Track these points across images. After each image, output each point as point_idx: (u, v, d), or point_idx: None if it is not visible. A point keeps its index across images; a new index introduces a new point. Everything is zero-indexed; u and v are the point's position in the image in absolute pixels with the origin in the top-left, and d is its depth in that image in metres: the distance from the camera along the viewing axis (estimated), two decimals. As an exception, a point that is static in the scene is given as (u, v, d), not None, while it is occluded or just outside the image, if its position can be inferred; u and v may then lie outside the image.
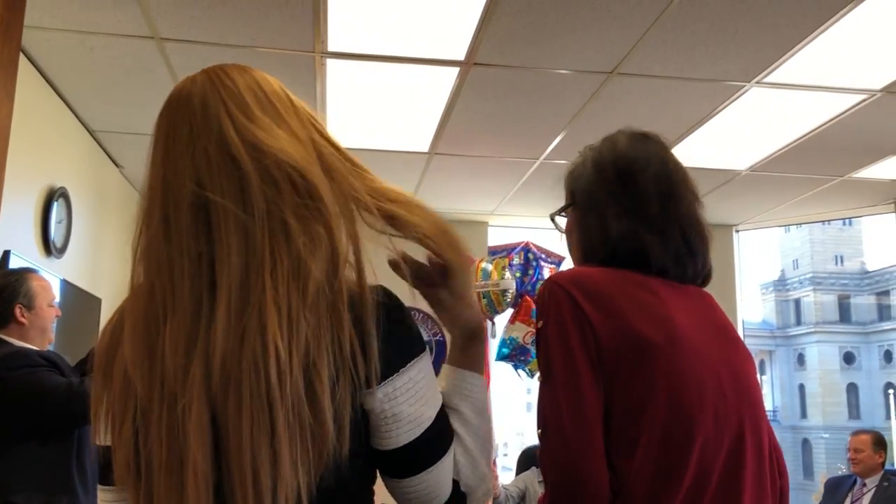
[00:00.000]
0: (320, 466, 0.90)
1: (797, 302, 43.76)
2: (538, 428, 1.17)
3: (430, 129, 4.01)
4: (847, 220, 43.57)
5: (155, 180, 0.97)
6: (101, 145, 4.21)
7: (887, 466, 4.38)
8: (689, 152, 4.17)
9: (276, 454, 0.88)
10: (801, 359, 42.40)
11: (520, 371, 4.92)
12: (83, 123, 3.91)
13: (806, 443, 38.86)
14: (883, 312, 41.11)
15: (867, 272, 42.92)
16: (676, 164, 1.34)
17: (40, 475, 2.30)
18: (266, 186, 0.94)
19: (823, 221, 5.61)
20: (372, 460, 0.99)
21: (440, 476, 1.00)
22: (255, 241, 0.92)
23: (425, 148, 4.28)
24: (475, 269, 4.89)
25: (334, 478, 0.91)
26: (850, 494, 4.39)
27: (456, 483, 1.03)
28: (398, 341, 0.98)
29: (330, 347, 0.91)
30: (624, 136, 1.35)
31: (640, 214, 1.27)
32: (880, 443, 4.42)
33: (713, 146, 4.15)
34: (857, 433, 4.57)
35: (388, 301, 0.99)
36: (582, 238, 1.32)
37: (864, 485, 4.34)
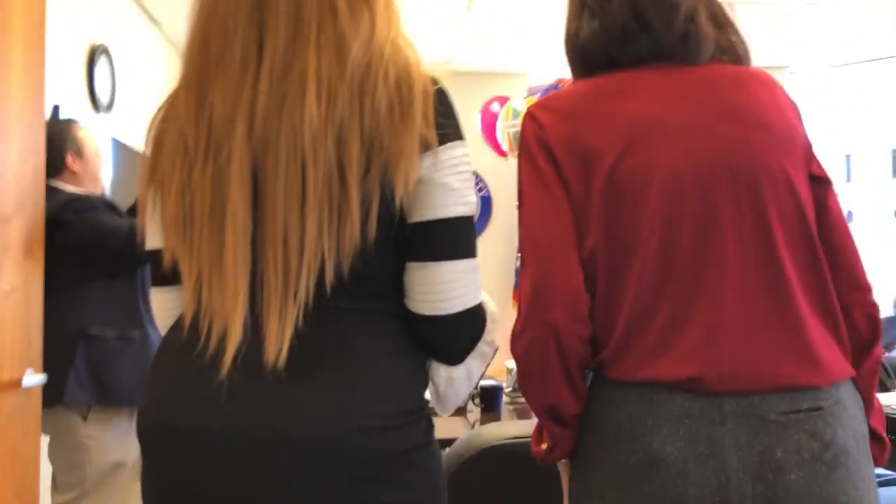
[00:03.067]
0: (347, 243, 0.94)
1: (847, 157, 42.71)
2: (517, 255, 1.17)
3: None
4: None
5: None
6: (140, 3, 4.17)
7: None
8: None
9: (305, 218, 0.93)
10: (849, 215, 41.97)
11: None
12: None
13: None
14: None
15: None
16: None
17: (112, 310, 2.43)
18: None
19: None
20: (406, 250, 1.01)
21: (471, 275, 1.03)
22: (304, 12, 0.97)
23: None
24: (506, 110, 4.84)
25: (361, 262, 0.96)
26: None
27: (481, 306, 1.06)
28: (450, 118, 1.02)
29: (360, 126, 0.95)
30: None
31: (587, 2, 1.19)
32: None
33: None
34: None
35: (441, 87, 1.02)
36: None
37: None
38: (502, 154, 5.01)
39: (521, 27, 4.59)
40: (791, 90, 4.66)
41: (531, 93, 4.97)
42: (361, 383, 0.95)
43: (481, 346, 1.12)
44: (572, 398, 1.10)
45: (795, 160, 1.12)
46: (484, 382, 2.89)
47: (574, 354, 1.08)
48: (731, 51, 1.20)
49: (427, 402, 1.07)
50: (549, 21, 4.58)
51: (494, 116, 4.97)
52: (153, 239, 1.06)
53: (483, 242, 5.42)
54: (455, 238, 1.01)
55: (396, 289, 1.02)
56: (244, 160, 0.95)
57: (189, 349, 0.98)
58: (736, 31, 1.21)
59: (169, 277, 1.04)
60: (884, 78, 5.83)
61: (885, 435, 1.15)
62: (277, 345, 0.93)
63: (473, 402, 2.96)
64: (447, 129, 1.00)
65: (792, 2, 4.22)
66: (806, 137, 1.16)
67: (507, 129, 4.79)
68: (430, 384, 1.12)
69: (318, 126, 0.93)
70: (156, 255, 1.05)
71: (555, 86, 4.71)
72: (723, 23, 1.20)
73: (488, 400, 2.92)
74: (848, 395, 1.07)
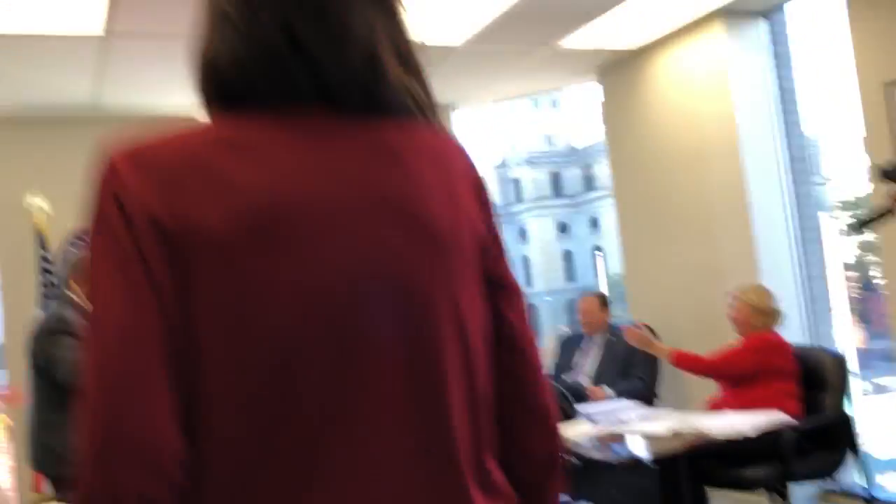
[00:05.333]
0: None
1: (516, 181, 47.42)
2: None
3: (101, 2, 3.33)
4: (554, 103, 47.18)
5: None
6: None
7: (611, 322, 4.67)
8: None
9: None
10: (522, 233, 46.41)
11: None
12: None
13: (532, 307, 43.14)
14: (589, 184, 45.80)
15: (574, 149, 47.19)
16: None
17: None
18: None
19: (533, 97, 5.73)
20: None
21: None
22: None
23: (99, 29, 3.59)
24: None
25: None
26: (578, 349, 4.64)
27: None
28: None
29: None
30: None
31: (226, 12, 0.83)
32: (605, 302, 4.68)
33: (425, 21, 3.91)
34: (584, 295, 4.83)
35: None
36: None
37: (592, 339, 4.59)
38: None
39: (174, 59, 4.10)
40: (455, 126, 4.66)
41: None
42: None
43: None
44: None
45: (465, 275, 0.85)
46: None
47: None
48: (415, 102, 0.87)
49: None
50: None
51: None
52: None
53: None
54: None
55: None
56: None
57: None
58: (424, 79, 0.89)
59: None
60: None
61: None
62: None
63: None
64: None
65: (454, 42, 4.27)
66: (483, 227, 0.89)
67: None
68: None
69: None
70: None
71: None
72: (412, 66, 0.88)
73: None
74: None
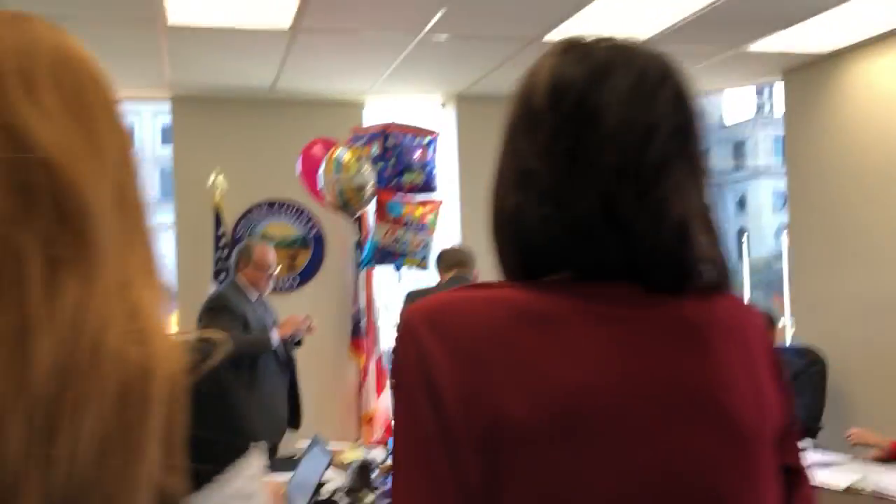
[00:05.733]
0: None
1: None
2: None
3: (292, 1, 3.43)
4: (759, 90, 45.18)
5: None
6: None
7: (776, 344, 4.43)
8: (588, 24, 3.79)
9: None
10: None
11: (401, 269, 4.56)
12: None
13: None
14: (738, 162, 43.61)
15: (723, 125, 45.09)
16: (643, 73, 0.79)
17: None
18: (9, 193, 0.58)
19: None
20: None
21: None
22: None
23: (287, 24, 3.69)
24: (328, 159, 4.37)
25: None
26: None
27: None
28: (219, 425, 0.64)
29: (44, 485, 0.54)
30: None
31: (536, 171, 0.78)
32: (772, 323, 4.44)
33: (613, 16, 3.78)
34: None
35: (201, 382, 0.62)
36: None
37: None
38: (325, 206, 4.55)
39: (353, 50, 4.18)
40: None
41: (356, 136, 4.55)
42: None
43: None
44: None
45: (767, 470, 0.80)
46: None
47: None
48: (717, 272, 0.82)
49: None
50: (383, 46, 4.22)
51: (317, 161, 4.46)
52: None
53: (315, 287, 5.04)
54: None
55: None
56: None
57: None
58: (723, 243, 0.83)
59: None
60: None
61: None
62: None
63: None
64: (213, 452, 0.61)
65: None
66: (780, 409, 0.83)
67: (331, 183, 4.32)
68: None
69: None
70: None
71: (384, 133, 4.32)
72: (714, 232, 0.82)
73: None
74: None
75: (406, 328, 0.77)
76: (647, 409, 0.75)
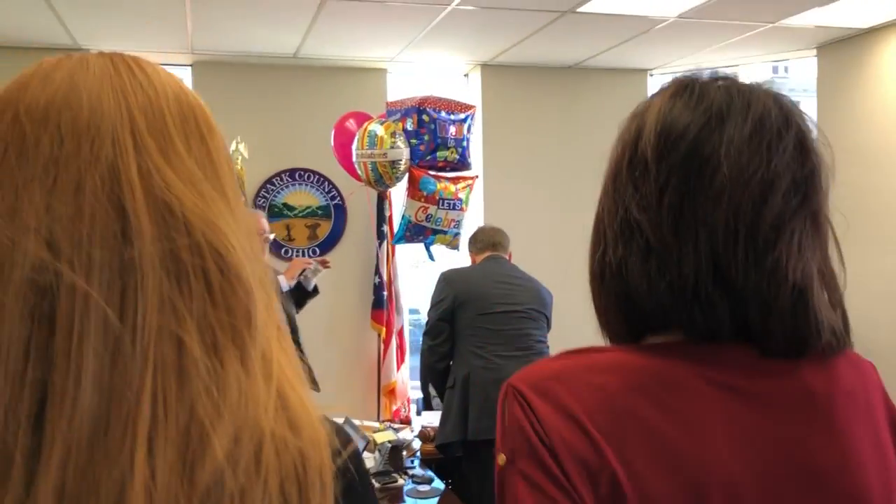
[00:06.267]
0: None
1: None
2: None
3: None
4: (775, 68, 44.39)
5: None
6: None
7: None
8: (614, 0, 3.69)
9: None
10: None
11: (431, 250, 4.50)
12: None
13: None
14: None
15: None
16: (761, 120, 0.74)
17: None
18: (165, 277, 0.54)
19: (742, 66, 5.34)
20: None
21: None
22: (128, 374, 0.52)
23: (318, -8, 3.59)
24: (361, 133, 4.30)
25: None
26: None
27: None
28: None
29: None
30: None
31: (640, 223, 0.74)
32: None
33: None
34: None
35: (346, 468, 0.60)
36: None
37: None
38: (359, 181, 4.48)
39: (381, 19, 4.07)
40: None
41: (390, 111, 4.45)
42: None
43: None
44: None
45: None
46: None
47: None
48: (835, 336, 0.77)
49: None
50: (412, 14, 4.12)
51: (350, 135, 4.39)
52: None
53: (337, 257, 5.00)
54: None
55: None
56: None
57: None
58: (842, 303, 0.78)
59: None
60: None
61: None
62: None
63: None
64: None
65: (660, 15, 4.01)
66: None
67: (363, 158, 4.25)
68: None
69: None
70: None
71: (419, 108, 4.22)
72: (835, 294, 0.77)
73: None
74: None
75: (513, 398, 0.73)
76: (776, 490, 0.71)
